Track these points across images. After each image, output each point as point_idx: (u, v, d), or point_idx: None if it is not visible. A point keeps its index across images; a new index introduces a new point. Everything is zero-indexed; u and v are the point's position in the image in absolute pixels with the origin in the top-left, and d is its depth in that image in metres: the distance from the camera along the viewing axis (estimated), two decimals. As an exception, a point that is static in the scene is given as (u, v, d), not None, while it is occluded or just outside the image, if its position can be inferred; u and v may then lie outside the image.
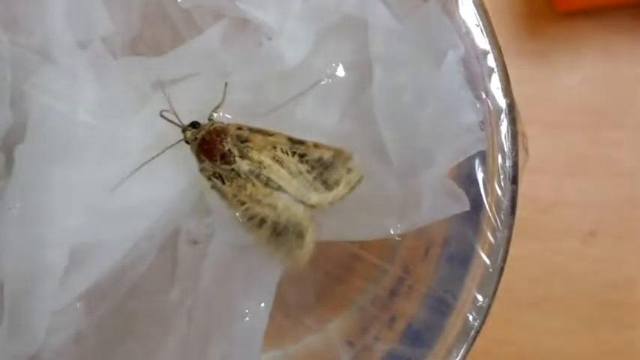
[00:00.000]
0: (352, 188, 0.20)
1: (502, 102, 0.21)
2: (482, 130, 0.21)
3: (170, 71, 0.20)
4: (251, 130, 0.20)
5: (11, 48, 0.20)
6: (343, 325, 0.23)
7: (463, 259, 0.21)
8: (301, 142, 0.20)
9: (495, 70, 0.21)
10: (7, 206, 0.19)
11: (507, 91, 0.21)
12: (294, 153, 0.20)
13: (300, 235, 0.20)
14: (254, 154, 0.20)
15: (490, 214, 0.21)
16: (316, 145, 0.20)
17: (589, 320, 0.31)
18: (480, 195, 0.21)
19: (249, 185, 0.20)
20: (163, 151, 0.20)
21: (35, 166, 0.20)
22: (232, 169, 0.20)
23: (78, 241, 0.20)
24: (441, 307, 0.21)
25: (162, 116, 0.20)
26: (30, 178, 0.20)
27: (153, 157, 0.20)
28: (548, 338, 0.31)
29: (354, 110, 0.21)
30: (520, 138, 0.21)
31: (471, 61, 0.21)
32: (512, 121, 0.21)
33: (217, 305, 0.21)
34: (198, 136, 0.20)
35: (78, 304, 0.20)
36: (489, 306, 0.21)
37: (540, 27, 0.32)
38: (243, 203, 0.20)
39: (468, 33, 0.21)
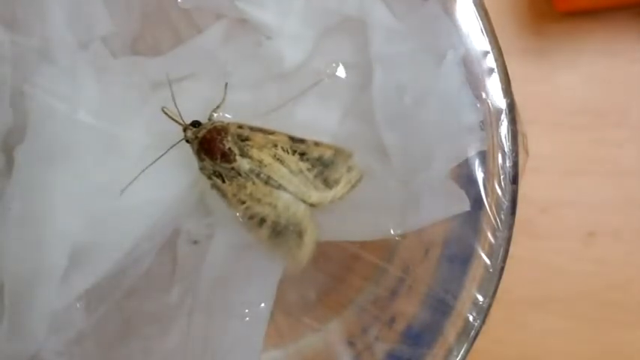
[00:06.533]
0: (352, 187, 0.20)
1: (502, 102, 0.21)
2: (482, 130, 0.21)
3: (170, 71, 0.20)
4: (251, 128, 0.20)
5: (11, 48, 0.20)
6: (343, 325, 0.23)
7: (463, 259, 0.21)
8: (302, 141, 0.20)
9: (495, 70, 0.21)
10: (7, 206, 0.19)
11: (507, 91, 0.21)
12: (294, 151, 0.20)
13: (300, 234, 0.20)
14: (254, 153, 0.20)
15: (490, 214, 0.21)
16: (317, 144, 0.20)
17: (589, 320, 0.31)
18: (480, 195, 0.21)
19: (249, 184, 0.20)
20: (167, 150, 0.20)
21: (35, 167, 0.20)
22: (233, 168, 0.20)
23: (78, 241, 0.20)
24: (441, 307, 0.21)
25: (164, 112, 0.20)
26: (30, 178, 0.20)
27: (158, 157, 0.20)
28: (548, 338, 0.31)
29: (354, 110, 0.21)
30: (520, 138, 0.21)
31: (471, 61, 0.21)
32: (512, 121, 0.21)
33: (217, 305, 0.21)
34: (199, 135, 0.20)
35: (78, 304, 0.20)
36: (489, 306, 0.21)
37: (540, 27, 0.32)
38: (243, 202, 0.20)
39: (468, 33, 0.21)
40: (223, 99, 0.21)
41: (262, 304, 0.21)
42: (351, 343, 0.23)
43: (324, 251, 0.21)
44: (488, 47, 0.21)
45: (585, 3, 0.31)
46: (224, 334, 0.21)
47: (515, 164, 0.21)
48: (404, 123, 0.21)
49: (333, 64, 0.21)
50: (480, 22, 0.21)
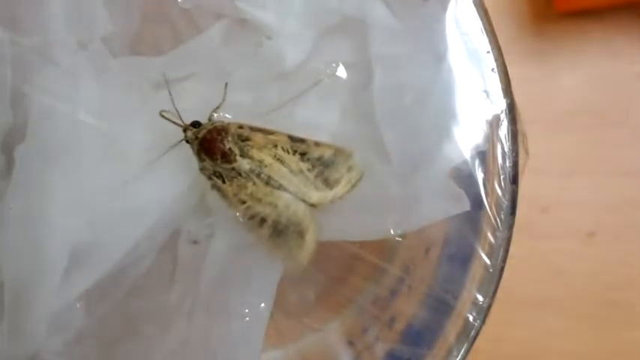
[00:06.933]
0: (353, 186, 0.20)
1: (502, 102, 0.21)
2: (482, 130, 0.21)
3: (170, 71, 0.20)
4: (252, 128, 0.20)
5: (11, 48, 0.20)
6: (343, 325, 0.23)
7: (463, 259, 0.21)
8: (302, 141, 0.20)
9: (495, 70, 0.21)
10: (8, 206, 0.19)
11: (507, 91, 0.21)
12: (294, 151, 0.20)
13: (301, 234, 0.20)
14: (255, 153, 0.20)
15: (490, 214, 0.21)
16: (317, 144, 0.20)
17: (589, 320, 0.31)
18: (480, 195, 0.21)
19: (249, 184, 0.20)
20: (167, 151, 0.20)
21: (35, 167, 0.20)
22: (233, 168, 0.20)
23: (78, 241, 0.20)
24: (441, 307, 0.21)
25: (162, 116, 0.20)
26: (30, 178, 0.20)
27: (158, 157, 0.20)
28: (548, 338, 0.31)
29: (354, 110, 0.21)
30: (520, 138, 0.21)
31: (471, 61, 0.21)
32: (513, 121, 0.21)
33: (217, 305, 0.21)
34: (199, 135, 0.20)
35: (78, 304, 0.20)
36: (489, 306, 0.21)
37: (540, 27, 0.32)
38: (243, 202, 0.20)
39: (468, 33, 0.21)
40: (223, 99, 0.21)
41: (262, 304, 0.21)
42: (351, 343, 0.23)
43: (324, 251, 0.21)
44: (488, 47, 0.21)
45: (585, 3, 0.31)
46: (224, 334, 0.20)
47: (515, 164, 0.21)
48: (404, 123, 0.21)
49: (333, 64, 0.21)
50: (480, 22, 0.21)
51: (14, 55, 0.20)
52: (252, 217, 0.20)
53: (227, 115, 0.21)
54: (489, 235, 0.21)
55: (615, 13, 0.32)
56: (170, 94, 0.20)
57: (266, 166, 0.20)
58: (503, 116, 0.21)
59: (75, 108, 0.20)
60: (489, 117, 0.21)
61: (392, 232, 0.21)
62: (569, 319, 0.31)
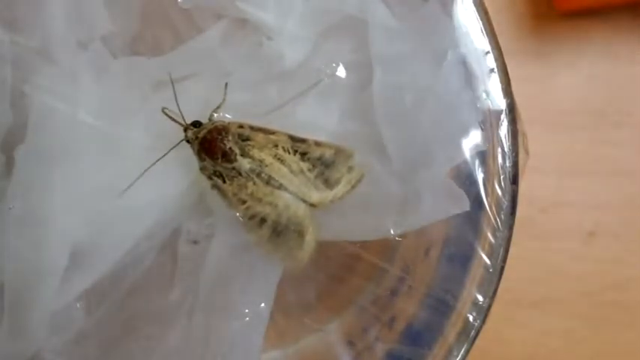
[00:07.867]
0: (353, 187, 0.20)
1: (502, 102, 0.21)
2: (482, 130, 0.21)
3: (170, 71, 0.20)
4: (252, 128, 0.20)
5: (11, 48, 0.20)
6: (343, 325, 0.23)
7: (463, 259, 0.21)
8: (302, 141, 0.20)
9: (495, 70, 0.21)
10: (8, 206, 0.19)
11: (507, 91, 0.21)
12: (295, 151, 0.20)
13: (301, 234, 0.20)
14: (255, 153, 0.20)
15: (490, 214, 0.21)
16: (317, 144, 0.20)
17: (589, 320, 0.31)
18: (480, 195, 0.21)
19: (250, 184, 0.20)
20: (168, 151, 0.20)
21: (35, 167, 0.20)
22: (233, 168, 0.20)
23: (78, 241, 0.20)
24: (441, 307, 0.21)
25: (164, 113, 0.20)
26: (30, 178, 0.20)
27: (159, 158, 0.20)
28: (548, 338, 0.31)
29: (354, 110, 0.21)
30: (520, 138, 0.21)
31: (471, 61, 0.21)
32: (513, 121, 0.21)
33: (217, 305, 0.21)
34: (200, 135, 0.20)
35: (78, 304, 0.20)
36: (489, 306, 0.21)
37: (541, 27, 0.32)
38: (243, 202, 0.20)
39: (468, 33, 0.21)
40: (224, 99, 0.21)
41: (262, 304, 0.21)
42: (351, 343, 0.23)
43: (324, 251, 0.21)
44: (488, 47, 0.21)
45: (585, 3, 0.31)
46: (224, 334, 0.20)
47: (515, 164, 0.21)
48: (404, 123, 0.21)
49: (333, 64, 0.21)
50: (480, 22, 0.21)
51: (14, 55, 0.20)
52: (252, 217, 0.20)
53: (227, 115, 0.21)
54: (489, 235, 0.21)
55: (615, 14, 0.32)
56: (174, 94, 0.20)
57: (266, 165, 0.20)
58: (503, 116, 0.21)
59: (75, 108, 0.20)
60: (489, 117, 0.21)
61: (392, 232, 0.21)
62: (569, 319, 0.31)
